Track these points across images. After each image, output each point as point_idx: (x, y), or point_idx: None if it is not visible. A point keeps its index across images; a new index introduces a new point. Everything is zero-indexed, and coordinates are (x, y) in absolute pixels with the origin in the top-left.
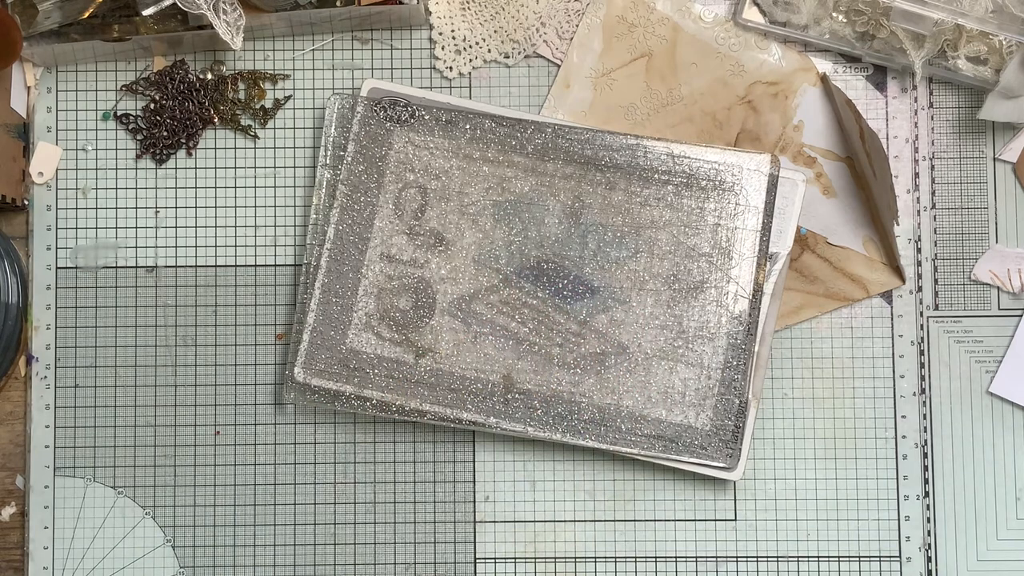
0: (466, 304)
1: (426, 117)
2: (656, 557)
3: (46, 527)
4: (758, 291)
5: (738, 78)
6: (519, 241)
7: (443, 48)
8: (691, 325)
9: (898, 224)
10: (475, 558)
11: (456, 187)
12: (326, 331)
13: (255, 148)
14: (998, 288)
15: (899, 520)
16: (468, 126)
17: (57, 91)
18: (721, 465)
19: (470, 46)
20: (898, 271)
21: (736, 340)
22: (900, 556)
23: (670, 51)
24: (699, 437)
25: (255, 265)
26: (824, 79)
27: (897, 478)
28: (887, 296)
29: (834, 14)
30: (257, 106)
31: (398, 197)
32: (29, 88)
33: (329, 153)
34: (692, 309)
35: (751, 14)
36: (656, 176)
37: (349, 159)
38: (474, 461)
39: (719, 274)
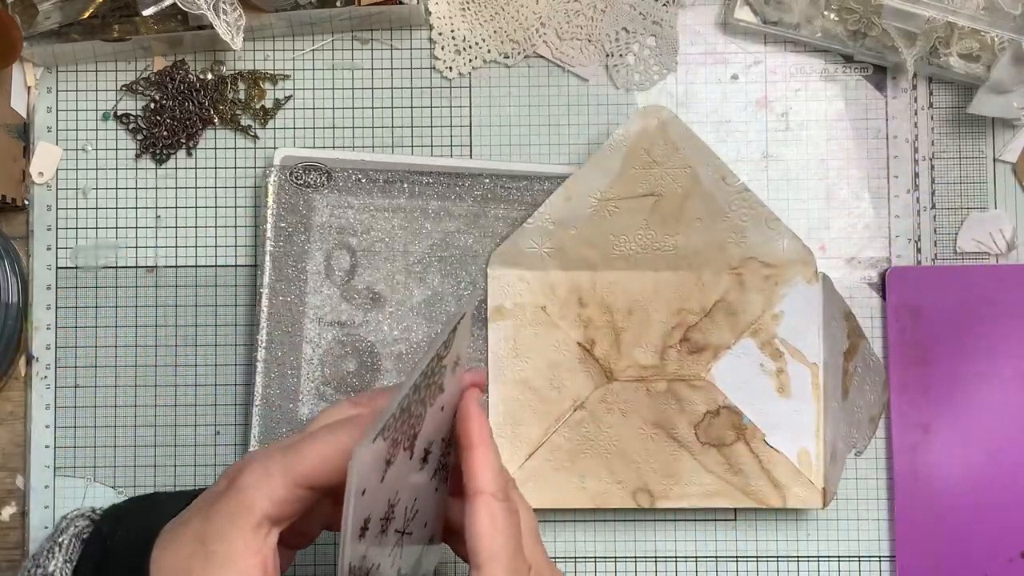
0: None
1: (341, 180)
2: (656, 557)
3: (46, 527)
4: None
5: (737, 248)
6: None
7: (443, 48)
8: None
9: (859, 455)
10: None
11: (400, 247)
12: (283, 403)
13: (255, 148)
14: (986, 254)
15: None
16: (385, 180)
17: (57, 91)
18: None
19: (470, 46)
20: (823, 494)
21: None
22: None
23: (680, 200)
24: None
25: (255, 265)
26: (825, 280)
27: None
28: (885, 295)
29: (826, 12)
30: (257, 106)
31: (328, 261)
32: (29, 88)
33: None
34: None
35: (743, 13)
36: None
37: (271, 232)
38: None
39: None
